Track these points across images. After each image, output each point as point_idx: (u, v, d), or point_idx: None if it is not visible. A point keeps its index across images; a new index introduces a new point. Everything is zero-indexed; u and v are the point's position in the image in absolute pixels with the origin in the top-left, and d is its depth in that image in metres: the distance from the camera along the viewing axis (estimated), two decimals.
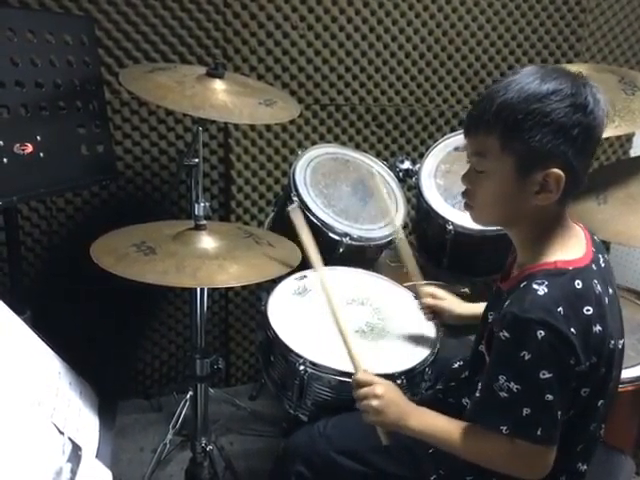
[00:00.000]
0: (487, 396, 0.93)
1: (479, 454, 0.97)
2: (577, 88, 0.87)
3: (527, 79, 0.88)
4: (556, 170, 0.88)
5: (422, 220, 1.86)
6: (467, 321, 1.30)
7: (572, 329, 0.86)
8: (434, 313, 1.34)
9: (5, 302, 1.00)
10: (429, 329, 1.38)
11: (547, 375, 0.86)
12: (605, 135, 1.53)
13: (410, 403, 1.04)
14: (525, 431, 0.89)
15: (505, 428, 0.90)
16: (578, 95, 0.87)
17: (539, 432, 0.88)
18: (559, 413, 0.88)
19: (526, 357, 0.86)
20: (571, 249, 0.95)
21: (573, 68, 1.66)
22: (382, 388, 1.02)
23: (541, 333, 0.85)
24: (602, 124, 0.90)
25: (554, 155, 0.88)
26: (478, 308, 1.26)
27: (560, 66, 0.97)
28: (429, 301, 1.33)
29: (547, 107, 0.86)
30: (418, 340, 1.35)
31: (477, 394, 0.95)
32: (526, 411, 0.88)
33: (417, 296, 1.38)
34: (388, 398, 1.01)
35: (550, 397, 0.87)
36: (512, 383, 0.88)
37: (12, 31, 1.32)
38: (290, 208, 1.30)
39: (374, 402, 1.00)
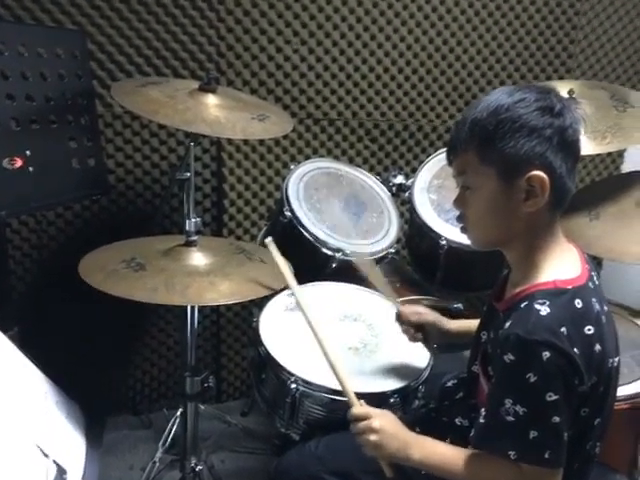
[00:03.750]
0: (492, 421, 0.91)
1: None
2: (541, 94, 0.91)
3: (494, 96, 0.93)
4: (537, 172, 0.89)
5: (415, 235, 1.86)
6: (456, 339, 1.27)
7: (576, 349, 0.85)
8: (420, 331, 1.28)
9: None
10: (423, 346, 1.37)
11: (553, 397, 0.85)
12: (597, 151, 1.57)
13: (410, 433, 1.01)
14: (533, 455, 0.87)
15: (513, 453, 0.88)
16: (543, 99, 0.90)
17: (547, 455, 0.86)
18: (565, 434, 0.87)
19: (532, 379, 0.85)
20: (567, 268, 0.94)
21: (564, 85, 1.70)
22: (379, 421, 0.99)
23: (546, 354, 0.84)
24: (576, 125, 0.92)
25: (531, 158, 0.89)
26: (468, 324, 1.24)
27: (529, 84, 1.00)
28: (412, 318, 1.27)
29: (515, 114, 0.89)
30: (411, 357, 1.34)
31: (481, 420, 0.93)
32: (533, 434, 0.86)
33: (398, 318, 1.30)
34: (386, 431, 0.98)
35: (557, 419, 0.86)
36: (518, 406, 0.86)
37: (3, 44, 1.31)
38: (267, 241, 1.19)
39: (372, 437, 0.98)
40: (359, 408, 1.02)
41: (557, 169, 0.90)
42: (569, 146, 0.91)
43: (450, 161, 1.00)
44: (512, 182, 0.91)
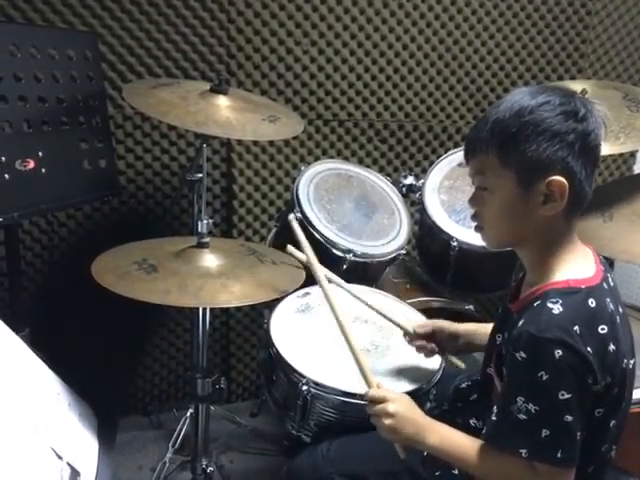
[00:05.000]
0: (504, 418, 0.91)
1: (496, 475, 0.95)
2: (566, 98, 0.90)
3: (517, 97, 0.91)
4: (558, 177, 0.88)
5: (425, 236, 1.85)
6: (466, 339, 1.24)
7: (589, 348, 0.85)
8: (433, 342, 1.26)
9: (4, 318, 0.98)
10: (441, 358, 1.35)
11: (566, 395, 0.84)
12: (611, 152, 1.55)
13: (426, 417, 1.01)
14: (545, 453, 0.87)
15: (525, 451, 0.88)
16: (567, 104, 0.89)
17: (559, 454, 0.86)
18: (578, 434, 0.87)
19: (544, 377, 0.85)
20: (581, 268, 0.94)
21: (577, 84, 1.68)
22: (395, 406, 0.99)
23: (559, 352, 0.84)
24: (598, 131, 0.91)
25: (553, 163, 0.88)
26: (476, 325, 1.24)
27: (551, 84, 0.99)
28: (419, 330, 1.26)
29: (538, 117, 0.88)
30: (423, 359, 1.33)
31: (493, 417, 0.93)
32: (545, 433, 0.86)
33: (407, 338, 1.29)
34: (402, 415, 0.99)
35: (569, 418, 0.85)
36: (530, 404, 0.86)
37: (15, 46, 1.31)
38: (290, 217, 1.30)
39: (387, 421, 0.98)
40: (376, 390, 1.02)
41: (577, 174, 0.89)
42: (590, 152, 0.90)
43: (467, 160, 0.98)
44: (531, 186, 0.90)
